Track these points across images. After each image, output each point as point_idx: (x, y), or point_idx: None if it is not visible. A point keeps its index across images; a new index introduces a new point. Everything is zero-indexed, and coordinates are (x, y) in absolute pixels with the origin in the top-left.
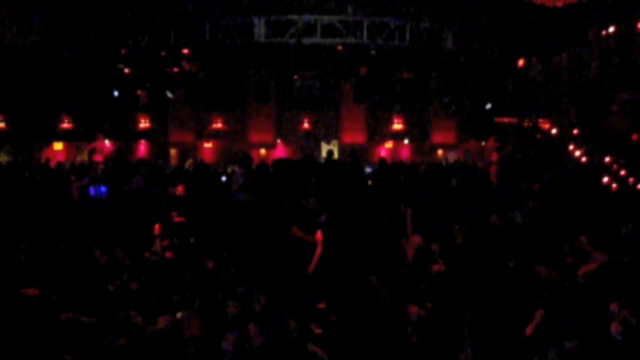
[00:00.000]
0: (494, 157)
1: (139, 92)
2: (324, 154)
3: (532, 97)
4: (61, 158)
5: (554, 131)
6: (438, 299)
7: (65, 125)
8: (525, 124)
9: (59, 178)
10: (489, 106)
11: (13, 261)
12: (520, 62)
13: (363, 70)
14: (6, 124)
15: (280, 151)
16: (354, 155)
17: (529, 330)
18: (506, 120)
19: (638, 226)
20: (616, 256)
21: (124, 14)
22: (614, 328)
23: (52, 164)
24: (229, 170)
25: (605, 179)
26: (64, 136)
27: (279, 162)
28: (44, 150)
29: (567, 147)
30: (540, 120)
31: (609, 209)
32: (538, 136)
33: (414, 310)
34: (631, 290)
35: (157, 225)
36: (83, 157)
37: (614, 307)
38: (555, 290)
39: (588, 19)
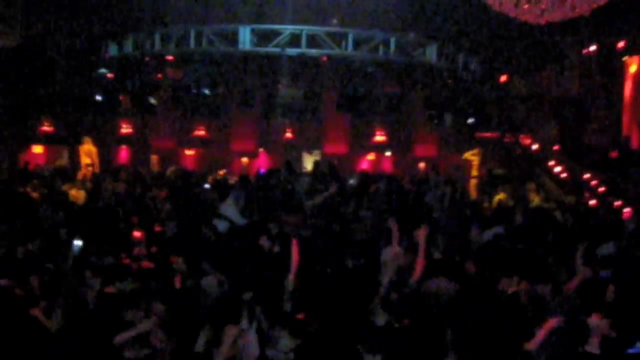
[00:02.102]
0: (475, 171)
1: (121, 97)
2: (306, 163)
3: (514, 113)
4: (41, 161)
5: (535, 147)
6: (419, 311)
7: (46, 128)
8: (507, 139)
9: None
10: (471, 120)
11: None
12: (503, 78)
13: (347, 82)
14: None
15: (263, 160)
16: (332, 168)
17: (532, 346)
18: (488, 134)
19: (618, 243)
20: (599, 271)
21: (108, 18)
22: (593, 341)
23: (31, 167)
24: (211, 178)
25: (586, 195)
26: (44, 139)
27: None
28: (23, 153)
29: (547, 162)
30: (522, 135)
31: (591, 225)
32: (519, 151)
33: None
34: (611, 305)
35: (138, 233)
36: (62, 161)
37: (595, 319)
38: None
39: (570, 37)
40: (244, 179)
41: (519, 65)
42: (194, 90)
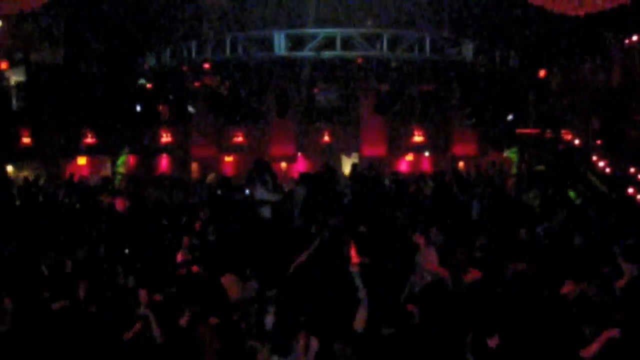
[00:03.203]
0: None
1: (160, 106)
2: (344, 167)
3: (554, 108)
4: (85, 172)
5: (576, 142)
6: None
7: (89, 140)
8: (547, 135)
9: (84, 192)
10: (510, 117)
11: (35, 275)
12: (542, 73)
13: (383, 83)
14: (32, 140)
15: (301, 164)
16: (370, 170)
17: (587, 354)
18: (528, 131)
19: None
20: None
21: (146, 30)
22: None
23: (76, 178)
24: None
25: (630, 190)
26: (87, 151)
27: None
28: (68, 165)
29: (590, 157)
30: (563, 130)
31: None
32: (560, 147)
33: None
34: None
35: (185, 238)
36: (106, 171)
37: None
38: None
39: (610, 28)
40: (305, 176)
41: (558, 59)
42: (231, 97)
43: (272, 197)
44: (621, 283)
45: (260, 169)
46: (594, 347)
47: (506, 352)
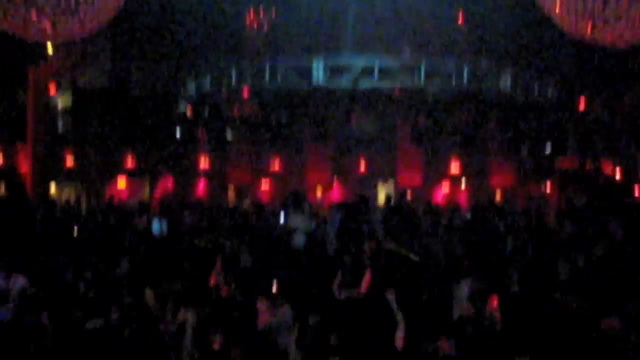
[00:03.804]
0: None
1: (199, 132)
2: (380, 195)
3: (594, 139)
4: (124, 195)
5: (617, 174)
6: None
7: (129, 164)
8: (587, 167)
9: (122, 214)
10: (548, 148)
11: (73, 293)
12: (582, 104)
13: (421, 113)
14: (75, 161)
15: (337, 192)
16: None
17: None
18: (567, 163)
19: None
20: None
21: (187, 56)
22: None
23: (116, 201)
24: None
25: None
26: (127, 173)
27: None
28: (108, 187)
29: (632, 191)
30: (604, 162)
31: None
32: (601, 180)
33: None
34: None
35: (218, 262)
36: (144, 194)
37: None
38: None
39: None
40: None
41: (599, 89)
42: (269, 124)
43: (307, 225)
44: None
45: (296, 197)
46: None
47: None
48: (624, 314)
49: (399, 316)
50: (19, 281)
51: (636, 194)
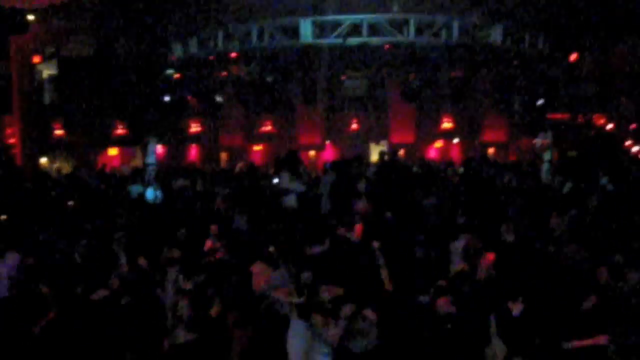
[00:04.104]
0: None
1: (189, 97)
2: (373, 154)
3: (586, 92)
4: (116, 163)
5: (609, 126)
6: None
7: (120, 131)
8: (579, 120)
9: (116, 182)
10: (540, 102)
11: (69, 264)
12: (573, 56)
13: (411, 69)
14: (64, 132)
15: (329, 153)
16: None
17: (569, 346)
18: (559, 116)
19: None
20: None
21: (172, 20)
22: None
23: (107, 169)
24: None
25: None
26: (118, 142)
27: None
28: (99, 156)
29: (623, 143)
30: (595, 115)
31: None
32: (593, 132)
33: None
34: None
35: (213, 227)
36: (137, 162)
37: None
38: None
39: None
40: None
41: (590, 42)
42: (258, 86)
43: (299, 186)
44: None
45: (288, 158)
46: (579, 344)
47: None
48: (612, 265)
49: (381, 260)
50: (12, 257)
51: (627, 145)
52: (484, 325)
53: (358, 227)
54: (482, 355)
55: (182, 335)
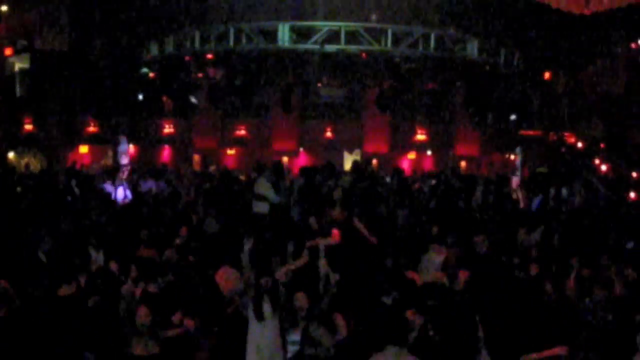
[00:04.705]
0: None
1: (164, 97)
2: (346, 163)
3: (558, 110)
4: (86, 161)
5: (579, 145)
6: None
7: (91, 129)
8: (551, 137)
9: (85, 180)
10: (513, 118)
11: (31, 262)
12: (547, 75)
13: (387, 79)
14: (34, 127)
15: (303, 159)
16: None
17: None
18: (531, 133)
19: None
20: None
21: (149, 19)
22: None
23: (78, 167)
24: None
25: (632, 195)
26: (89, 139)
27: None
28: (70, 153)
29: (593, 161)
30: (566, 133)
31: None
32: (563, 150)
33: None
34: None
35: (184, 229)
36: (108, 160)
37: None
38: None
39: (616, 30)
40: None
41: (563, 61)
42: (234, 90)
43: (275, 198)
44: (618, 288)
45: (273, 169)
46: (537, 356)
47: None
48: (580, 279)
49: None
50: None
51: (596, 163)
52: (468, 335)
53: (335, 232)
54: None
55: (141, 346)
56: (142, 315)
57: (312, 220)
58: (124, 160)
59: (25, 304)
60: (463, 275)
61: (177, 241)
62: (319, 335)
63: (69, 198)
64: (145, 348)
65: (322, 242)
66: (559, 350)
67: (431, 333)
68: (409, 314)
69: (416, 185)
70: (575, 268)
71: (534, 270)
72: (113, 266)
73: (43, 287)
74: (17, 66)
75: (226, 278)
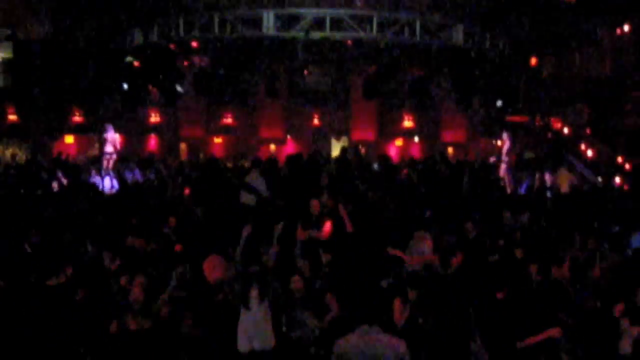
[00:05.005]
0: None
1: (150, 86)
2: (334, 150)
3: (544, 95)
4: (72, 151)
5: (565, 130)
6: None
7: (76, 118)
8: (537, 123)
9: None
10: (499, 103)
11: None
12: (533, 60)
13: (373, 66)
14: (18, 117)
15: (290, 147)
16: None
17: (522, 345)
18: (517, 118)
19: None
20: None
21: (133, 6)
22: (624, 344)
23: (63, 157)
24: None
25: (617, 180)
26: (74, 129)
27: (291, 159)
28: (55, 143)
29: (579, 146)
30: (552, 118)
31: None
32: (549, 135)
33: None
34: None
35: (172, 219)
36: (94, 150)
37: (625, 323)
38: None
39: (603, 17)
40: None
41: (549, 47)
42: (220, 78)
43: (262, 189)
44: (597, 271)
45: (267, 165)
46: (532, 340)
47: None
48: (575, 264)
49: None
50: None
51: (582, 148)
52: (463, 319)
53: (327, 225)
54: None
55: (133, 322)
56: (136, 293)
57: (314, 204)
58: (109, 148)
59: (14, 294)
60: (456, 260)
61: (165, 230)
62: (304, 317)
63: (55, 188)
64: (139, 323)
65: (316, 235)
66: (552, 332)
67: (420, 321)
68: (396, 302)
69: (404, 172)
70: (575, 248)
71: (518, 254)
72: (106, 256)
73: (30, 278)
74: (0, 56)
75: (213, 266)
